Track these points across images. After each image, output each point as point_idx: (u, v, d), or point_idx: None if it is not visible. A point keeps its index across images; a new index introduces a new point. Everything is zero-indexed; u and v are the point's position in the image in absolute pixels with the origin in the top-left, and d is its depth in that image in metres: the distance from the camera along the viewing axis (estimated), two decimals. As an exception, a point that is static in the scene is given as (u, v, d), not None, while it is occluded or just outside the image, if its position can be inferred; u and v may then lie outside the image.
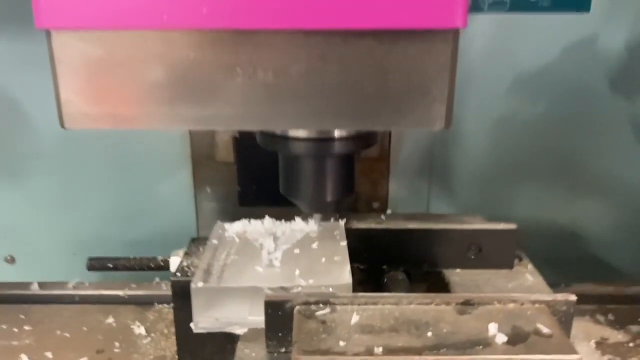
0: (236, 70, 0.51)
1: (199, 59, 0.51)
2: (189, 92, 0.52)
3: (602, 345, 0.75)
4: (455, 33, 0.51)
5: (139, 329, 0.78)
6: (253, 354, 0.61)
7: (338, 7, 0.48)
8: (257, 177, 1.02)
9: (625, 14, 0.95)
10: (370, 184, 1.06)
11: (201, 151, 1.03)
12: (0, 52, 0.96)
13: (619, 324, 0.80)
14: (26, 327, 0.79)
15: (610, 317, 0.82)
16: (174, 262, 0.74)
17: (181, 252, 0.75)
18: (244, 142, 1.00)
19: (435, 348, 0.53)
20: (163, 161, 1.04)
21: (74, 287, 0.88)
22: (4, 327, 0.79)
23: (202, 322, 0.65)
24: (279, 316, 0.59)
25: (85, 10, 0.49)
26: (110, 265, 0.78)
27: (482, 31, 0.96)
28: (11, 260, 1.06)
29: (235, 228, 0.77)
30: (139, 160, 1.04)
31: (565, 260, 1.06)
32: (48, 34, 0.51)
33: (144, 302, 0.85)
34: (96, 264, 0.79)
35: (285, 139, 0.64)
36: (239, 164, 1.02)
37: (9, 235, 1.07)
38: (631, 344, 0.75)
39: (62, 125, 0.54)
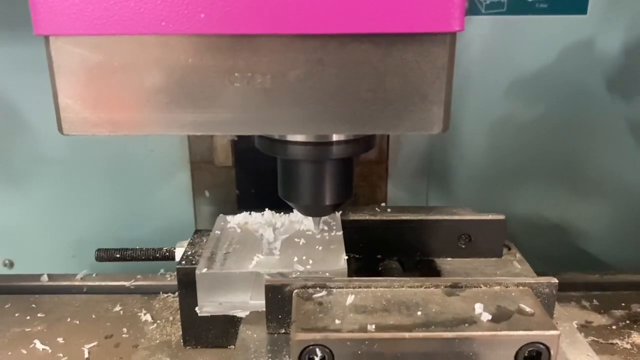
0: (234, 75, 0.51)
1: (197, 64, 0.51)
2: (187, 98, 0.52)
3: (586, 328, 0.79)
4: (452, 36, 0.51)
5: (146, 316, 0.82)
6: (255, 335, 0.65)
7: (335, 11, 0.49)
8: (255, 181, 1.03)
9: (622, 16, 0.97)
10: (369, 187, 1.07)
11: (200, 155, 1.05)
12: (0, 58, 0.98)
13: (603, 308, 0.84)
14: (38, 315, 0.83)
15: (595, 302, 0.85)
16: (179, 252, 0.78)
17: (185, 243, 0.79)
18: (242, 145, 1.02)
19: (424, 326, 0.57)
20: (162, 165, 1.05)
21: (82, 279, 0.91)
22: (17, 315, 0.83)
23: (207, 306, 0.69)
24: (279, 299, 0.63)
25: (84, 16, 0.49)
26: (118, 256, 0.82)
27: (479, 34, 0.97)
28: (9, 264, 1.09)
29: (237, 220, 0.81)
30: (138, 164, 1.05)
31: (561, 258, 1.09)
32: (46, 40, 0.51)
33: (150, 292, 0.88)
34: (104, 255, 0.82)
35: (284, 142, 0.64)
36: (237, 168, 1.04)
37: (7, 239, 1.09)
38: (614, 327, 0.79)
39: (60, 131, 0.54)
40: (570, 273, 0.92)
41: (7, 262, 1.09)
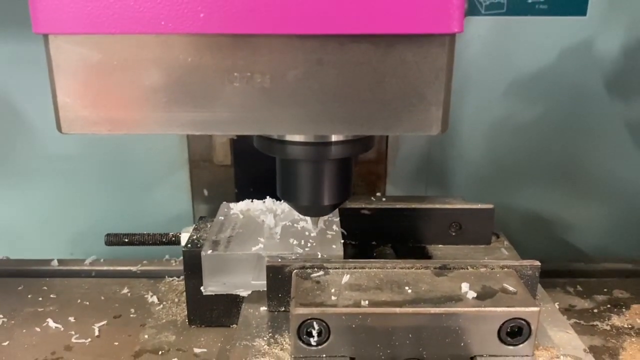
0: (233, 74, 0.51)
1: (197, 63, 0.51)
2: (186, 97, 0.52)
3: (569, 311, 0.83)
4: (451, 38, 0.51)
5: (152, 298, 0.86)
6: (256, 313, 0.69)
7: (334, 12, 0.49)
8: (254, 180, 1.02)
9: (621, 18, 0.98)
10: (368, 186, 1.09)
11: (199, 154, 1.06)
12: (0, 56, 1.00)
13: (586, 294, 0.88)
14: (50, 297, 0.87)
15: (579, 288, 0.90)
16: (184, 237, 0.83)
17: (190, 229, 0.83)
18: (241, 144, 1.03)
19: (414, 302, 0.61)
20: (161, 164, 1.07)
21: (91, 264, 0.95)
22: (30, 296, 0.87)
23: (211, 285, 0.74)
24: (279, 279, 0.68)
25: (83, 14, 0.49)
26: (126, 240, 0.87)
27: (479, 34, 0.99)
28: (6, 260, 1.12)
29: (240, 207, 0.85)
30: (137, 162, 1.07)
31: (558, 256, 1.11)
32: (45, 38, 0.51)
33: (155, 276, 0.93)
34: (113, 239, 0.87)
35: (282, 142, 0.64)
36: (236, 167, 1.05)
37: (5, 236, 1.10)
38: (595, 310, 0.84)
39: (59, 129, 0.54)
40: (557, 261, 0.96)
41: (4, 259, 1.10)
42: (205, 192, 1.08)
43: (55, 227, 1.11)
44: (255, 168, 0.98)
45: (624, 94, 1.03)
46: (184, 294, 0.80)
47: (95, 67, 0.51)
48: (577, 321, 0.81)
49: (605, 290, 0.89)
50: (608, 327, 0.79)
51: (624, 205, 1.11)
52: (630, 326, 0.79)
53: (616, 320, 0.81)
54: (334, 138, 0.64)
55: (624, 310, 0.84)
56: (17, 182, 1.08)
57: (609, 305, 0.85)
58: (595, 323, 0.80)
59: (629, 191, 1.09)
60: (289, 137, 0.63)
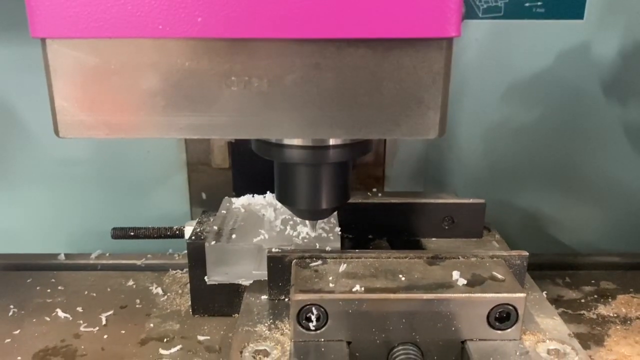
0: (231, 79, 0.52)
1: (194, 67, 0.51)
2: (184, 101, 0.52)
3: (557, 301, 0.87)
4: (448, 42, 0.52)
5: (157, 290, 0.89)
6: (257, 301, 0.73)
7: (332, 16, 0.49)
8: (252, 183, 1.00)
9: (618, 21, 0.99)
10: (366, 189, 1.05)
11: (197, 157, 1.06)
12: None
13: (574, 285, 0.91)
14: (58, 288, 0.90)
15: (568, 280, 0.93)
16: (188, 230, 0.86)
17: (193, 223, 0.86)
18: (239, 148, 1.04)
19: (407, 289, 0.65)
20: (159, 167, 1.08)
21: (96, 258, 0.98)
22: (39, 288, 0.90)
23: (214, 275, 0.77)
24: (279, 269, 0.71)
25: (80, 19, 0.49)
26: (132, 234, 0.90)
27: (476, 37, 1.00)
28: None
29: (241, 201, 0.89)
30: (135, 165, 1.07)
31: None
32: (43, 42, 0.51)
33: (159, 269, 0.96)
34: (119, 233, 0.90)
35: (280, 146, 0.64)
36: (234, 170, 1.06)
37: (2, 239, 1.11)
38: (582, 300, 0.87)
39: (56, 134, 0.54)
40: (547, 254, 0.99)
41: None
42: (204, 196, 1.09)
43: (53, 230, 1.12)
44: (253, 171, 0.97)
45: (621, 96, 1.04)
46: (188, 285, 0.83)
47: (92, 71, 0.52)
48: (565, 310, 0.84)
49: (592, 281, 0.92)
50: (594, 316, 0.83)
51: (621, 206, 1.12)
52: (615, 315, 0.83)
53: (602, 309, 0.84)
54: (331, 142, 0.64)
55: (610, 300, 0.87)
56: (17, 185, 1.10)
57: (595, 296, 0.88)
58: (582, 312, 0.84)
59: (626, 193, 1.11)
60: (287, 141, 0.64)
